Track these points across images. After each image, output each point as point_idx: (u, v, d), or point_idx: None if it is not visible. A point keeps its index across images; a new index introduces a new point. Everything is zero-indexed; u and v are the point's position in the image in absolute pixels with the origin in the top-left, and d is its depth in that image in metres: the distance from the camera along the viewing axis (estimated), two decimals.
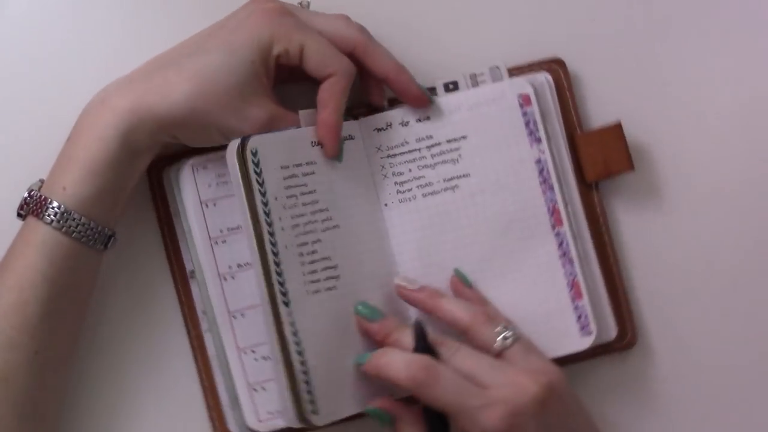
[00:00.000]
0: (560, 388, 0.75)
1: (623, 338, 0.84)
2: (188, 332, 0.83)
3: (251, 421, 0.81)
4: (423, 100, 0.82)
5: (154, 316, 0.83)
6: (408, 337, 0.76)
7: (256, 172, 0.75)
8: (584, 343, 0.81)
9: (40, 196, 0.76)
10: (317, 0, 0.82)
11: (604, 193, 0.85)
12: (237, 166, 0.75)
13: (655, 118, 0.86)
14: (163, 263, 0.83)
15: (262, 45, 0.76)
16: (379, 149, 0.82)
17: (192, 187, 0.81)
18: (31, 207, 0.76)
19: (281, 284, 0.75)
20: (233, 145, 0.76)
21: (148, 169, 0.81)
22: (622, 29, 0.87)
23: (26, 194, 0.76)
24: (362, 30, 0.80)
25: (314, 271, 0.77)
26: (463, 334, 0.77)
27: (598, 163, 0.84)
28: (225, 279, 0.81)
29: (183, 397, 0.83)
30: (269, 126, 0.77)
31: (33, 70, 0.84)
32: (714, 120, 0.87)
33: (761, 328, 0.87)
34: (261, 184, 0.75)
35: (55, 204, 0.75)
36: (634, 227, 0.86)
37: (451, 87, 0.83)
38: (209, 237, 0.81)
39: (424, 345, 0.75)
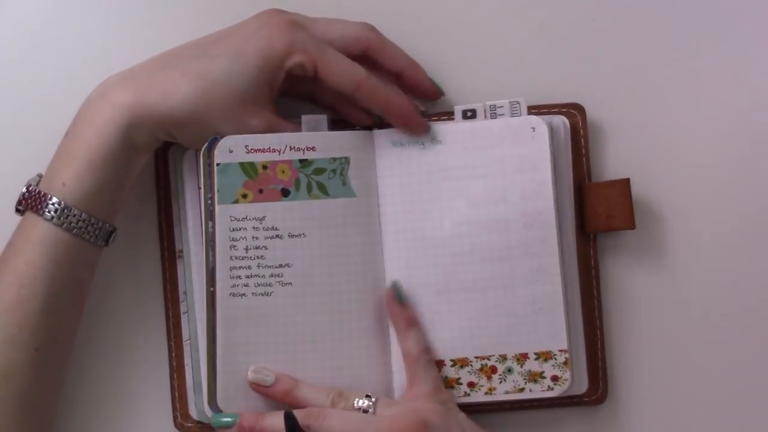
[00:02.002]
0: (436, 421, 0.75)
1: (594, 393, 0.84)
2: (167, 312, 0.83)
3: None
4: (434, 94, 0.83)
5: (139, 291, 0.84)
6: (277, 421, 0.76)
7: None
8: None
9: (39, 191, 0.75)
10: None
11: (603, 245, 0.85)
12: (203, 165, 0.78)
13: (667, 179, 0.86)
14: (156, 241, 0.84)
15: (275, 55, 0.77)
16: None
17: (193, 170, 0.81)
18: (30, 203, 0.75)
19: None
20: (206, 146, 0.78)
21: None
22: (651, 88, 0.86)
23: (24, 189, 0.76)
24: (372, 28, 0.81)
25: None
26: None
27: (600, 215, 0.83)
28: None
29: (153, 376, 0.84)
30: None
31: (31, 65, 0.85)
32: (730, 191, 0.86)
33: (741, 407, 0.86)
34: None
35: (54, 200, 0.75)
36: (626, 284, 0.85)
37: (470, 114, 0.82)
38: (201, 222, 0.81)
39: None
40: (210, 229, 0.78)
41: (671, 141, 0.86)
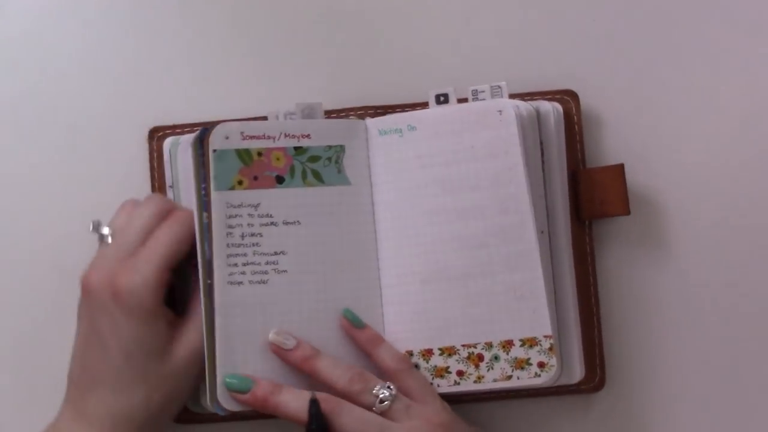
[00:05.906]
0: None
1: (591, 381, 0.83)
2: None
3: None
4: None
5: None
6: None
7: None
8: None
9: None
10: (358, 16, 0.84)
11: (599, 233, 0.84)
12: (193, 157, 0.78)
13: (663, 166, 0.85)
14: None
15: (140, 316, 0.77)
16: None
17: (186, 163, 0.81)
18: None
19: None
20: (196, 136, 0.78)
21: (150, 137, 0.84)
22: (647, 76, 0.86)
23: None
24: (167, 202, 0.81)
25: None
26: (342, 396, 0.76)
27: (594, 201, 0.83)
28: None
29: None
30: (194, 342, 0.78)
31: (32, 66, 0.86)
32: (724, 177, 0.85)
33: (737, 394, 0.85)
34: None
35: None
36: (622, 271, 0.85)
37: (442, 99, 0.81)
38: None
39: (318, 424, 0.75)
40: (205, 220, 0.78)
41: (668, 128, 0.86)
